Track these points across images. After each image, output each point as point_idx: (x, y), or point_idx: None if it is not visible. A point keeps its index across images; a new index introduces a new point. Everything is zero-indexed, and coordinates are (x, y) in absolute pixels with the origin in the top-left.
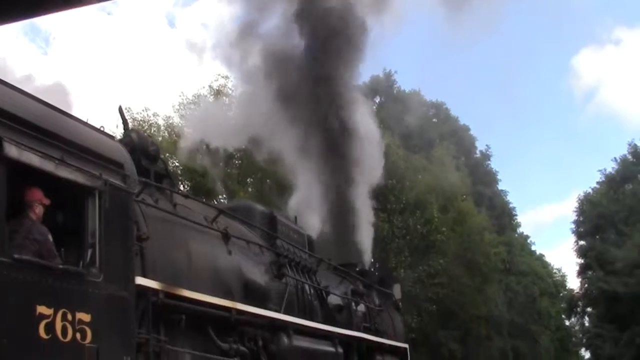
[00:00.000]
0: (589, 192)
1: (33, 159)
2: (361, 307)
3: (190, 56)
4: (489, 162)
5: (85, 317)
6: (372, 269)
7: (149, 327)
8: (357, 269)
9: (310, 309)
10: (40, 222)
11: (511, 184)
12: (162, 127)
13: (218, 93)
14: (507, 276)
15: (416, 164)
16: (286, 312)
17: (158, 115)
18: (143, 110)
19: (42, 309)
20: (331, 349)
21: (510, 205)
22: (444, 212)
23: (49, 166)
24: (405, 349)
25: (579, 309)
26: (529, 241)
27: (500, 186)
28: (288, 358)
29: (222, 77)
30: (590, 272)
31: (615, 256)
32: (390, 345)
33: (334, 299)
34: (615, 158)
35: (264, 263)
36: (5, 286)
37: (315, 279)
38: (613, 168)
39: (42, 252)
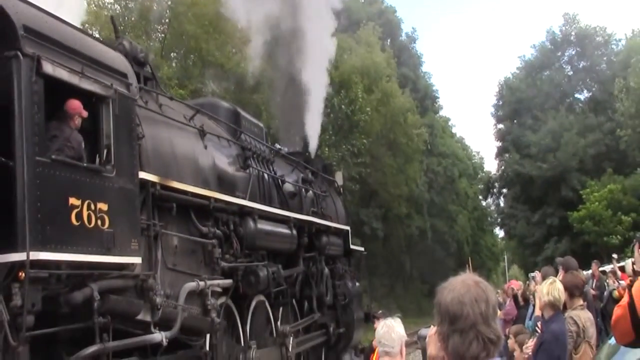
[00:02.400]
0: (509, 78)
1: (63, 74)
2: (310, 194)
3: None
4: (414, 44)
5: (104, 206)
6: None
7: (149, 214)
8: (305, 157)
9: (269, 196)
10: (77, 130)
11: (434, 67)
12: None
13: None
14: (428, 157)
15: (342, 44)
16: (251, 199)
17: None
18: None
19: (73, 200)
20: (287, 231)
21: (433, 88)
22: (369, 93)
23: (74, 79)
24: (347, 230)
25: (495, 190)
26: (450, 124)
27: (424, 69)
28: (254, 239)
29: None
30: (507, 155)
31: (530, 141)
32: (335, 228)
33: (287, 187)
34: (534, 45)
35: (231, 155)
36: (46, 182)
37: (272, 168)
38: (532, 54)
39: (76, 156)
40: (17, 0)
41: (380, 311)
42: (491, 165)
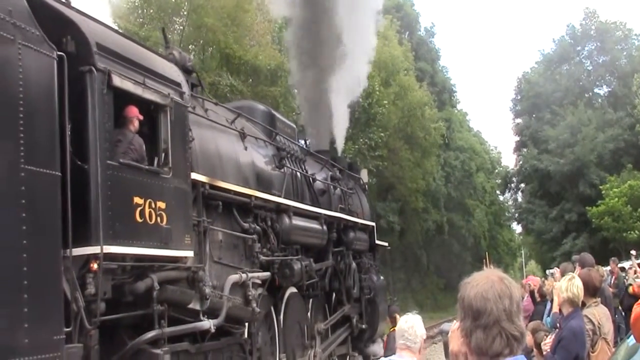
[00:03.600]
0: (528, 72)
1: (129, 86)
2: (338, 191)
3: None
4: (431, 39)
5: (162, 204)
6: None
7: (199, 211)
8: (331, 156)
9: (302, 193)
10: (136, 133)
11: (453, 62)
12: None
13: None
14: (445, 151)
15: None
16: (286, 197)
17: None
18: None
19: (137, 199)
20: (319, 226)
21: (451, 82)
22: (386, 86)
23: (138, 90)
24: (373, 226)
25: (512, 185)
26: (467, 118)
27: (442, 63)
28: (289, 234)
29: None
30: (525, 150)
31: (548, 135)
32: (361, 224)
33: (318, 184)
34: (554, 39)
35: (268, 155)
36: (115, 183)
37: (304, 167)
38: (552, 49)
39: (138, 158)
40: (90, 20)
41: (394, 307)
42: (509, 160)
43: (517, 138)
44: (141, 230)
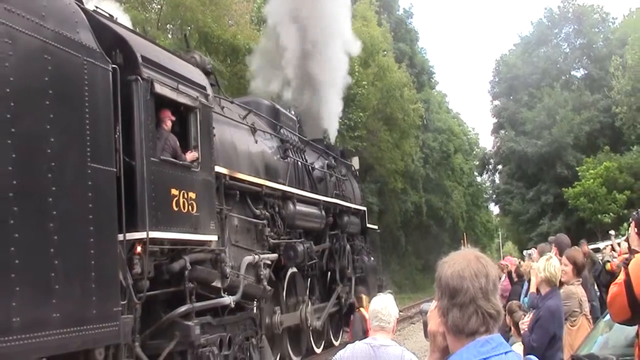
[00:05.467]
0: (506, 55)
1: (167, 92)
2: (333, 178)
3: None
4: (410, 20)
5: (193, 195)
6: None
7: (221, 200)
8: (325, 144)
9: (302, 181)
10: (170, 131)
11: (431, 44)
12: None
13: None
14: (424, 132)
15: None
16: (289, 185)
17: None
18: None
19: (173, 191)
20: (318, 212)
21: (429, 64)
22: (365, 67)
23: (174, 95)
24: (364, 210)
25: (490, 167)
26: (446, 100)
27: (420, 45)
28: (294, 219)
29: None
30: (502, 132)
31: (525, 117)
32: (354, 208)
33: (316, 173)
34: (532, 22)
35: (273, 147)
36: (156, 176)
37: (304, 157)
38: (530, 32)
39: (173, 154)
40: (136, 35)
41: (361, 287)
42: (487, 142)
43: (495, 120)
44: (177, 218)
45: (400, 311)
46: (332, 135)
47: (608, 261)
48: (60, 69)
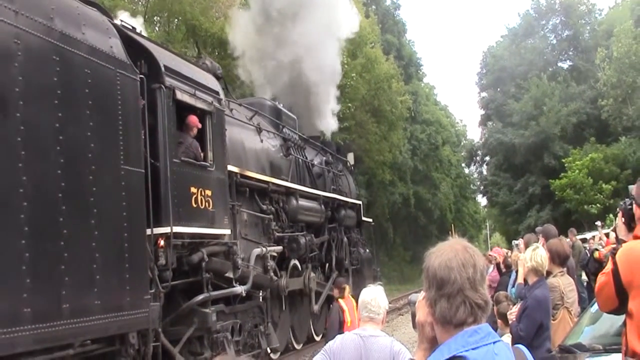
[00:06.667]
0: (494, 46)
1: (187, 98)
2: (331, 174)
3: None
4: (398, 11)
5: (209, 192)
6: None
7: (233, 196)
8: (321, 140)
9: (303, 177)
10: (194, 137)
11: (419, 36)
12: None
13: None
14: (412, 124)
15: None
16: (292, 181)
17: None
18: None
19: (192, 189)
20: (318, 206)
21: (417, 56)
22: (353, 58)
23: (192, 101)
24: (360, 204)
25: (478, 158)
26: (434, 92)
27: (408, 37)
28: (296, 213)
29: None
30: (490, 123)
31: (513, 109)
32: (351, 202)
33: (315, 169)
34: (519, 13)
35: (277, 145)
36: (178, 176)
37: (304, 154)
38: (517, 23)
39: (194, 157)
40: (159, 47)
41: (342, 278)
42: (474, 133)
43: (483, 111)
44: (196, 213)
45: (388, 303)
46: (328, 131)
47: (596, 249)
48: (98, 81)
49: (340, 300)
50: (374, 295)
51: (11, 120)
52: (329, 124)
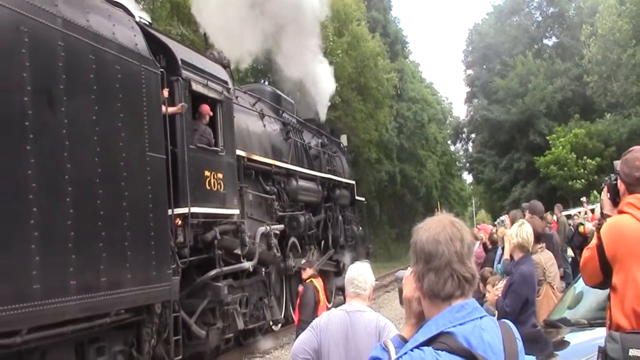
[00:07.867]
0: (479, 24)
1: (201, 89)
2: (326, 155)
3: None
4: None
5: (220, 175)
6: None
7: (241, 179)
8: (316, 123)
9: (301, 159)
10: (206, 124)
11: (405, 13)
12: None
13: None
14: (398, 102)
15: None
16: (292, 163)
17: None
18: None
19: (206, 173)
20: (316, 186)
21: (403, 33)
22: (339, 36)
23: (205, 91)
24: (353, 184)
25: (463, 136)
26: (419, 69)
27: (393, 14)
28: (296, 194)
29: None
30: (475, 101)
31: (498, 86)
32: (345, 182)
33: (312, 151)
34: None
35: (277, 130)
36: (194, 161)
37: (302, 137)
38: (503, 0)
39: (207, 143)
40: (176, 42)
41: (304, 261)
42: (460, 111)
43: (468, 89)
44: (209, 195)
45: (375, 280)
46: (323, 114)
47: (581, 224)
48: (126, 76)
49: (313, 280)
50: (361, 271)
51: (58, 114)
52: (324, 110)
